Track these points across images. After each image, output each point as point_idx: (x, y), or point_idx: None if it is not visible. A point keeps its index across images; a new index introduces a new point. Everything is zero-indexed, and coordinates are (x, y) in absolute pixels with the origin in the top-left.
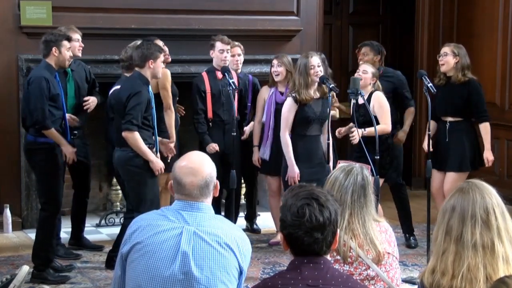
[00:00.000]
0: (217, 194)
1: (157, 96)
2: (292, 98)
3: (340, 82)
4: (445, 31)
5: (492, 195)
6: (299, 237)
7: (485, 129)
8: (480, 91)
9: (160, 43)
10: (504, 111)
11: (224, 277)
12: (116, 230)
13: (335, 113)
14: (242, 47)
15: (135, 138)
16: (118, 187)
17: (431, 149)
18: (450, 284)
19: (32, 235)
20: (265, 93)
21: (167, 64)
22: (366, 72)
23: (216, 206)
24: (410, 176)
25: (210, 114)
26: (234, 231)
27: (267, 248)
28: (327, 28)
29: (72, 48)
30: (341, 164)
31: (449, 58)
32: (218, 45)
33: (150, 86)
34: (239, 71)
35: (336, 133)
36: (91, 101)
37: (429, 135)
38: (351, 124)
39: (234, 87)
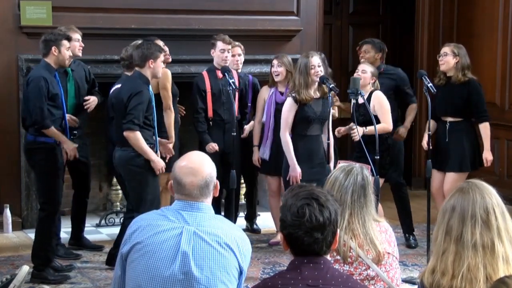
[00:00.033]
0: (217, 194)
1: (157, 96)
2: (292, 98)
3: (340, 82)
4: (445, 31)
5: (492, 195)
6: (299, 237)
7: (485, 129)
8: (480, 91)
9: (160, 43)
10: (504, 111)
11: (224, 277)
12: (116, 230)
13: (334, 112)
14: (242, 47)
15: (137, 137)
16: (118, 187)
17: (431, 148)
18: (450, 284)
19: (32, 235)
20: (265, 93)
21: (167, 64)
22: (365, 71)
23: (216, 206)
24: (410, 176)
25: (210, 113)
26: (234, 231)
27: (267, 248)
28: (327, 28)
29: (72, 48)
30: (341, 164)
31: (449, 58)
32: (219, 44)
33: (150, 86)
34: (239, 71)
35: (336, 132)
36: (92, 101)
37: (429, 135)
38: (352, 124)
39: (234, 87)
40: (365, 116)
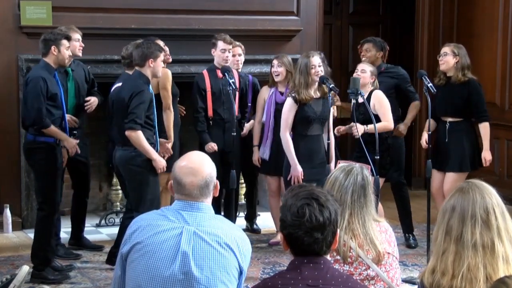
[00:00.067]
0: (217, 194)
1: (157, 96)
2: (292, 98)
3: (340, 82)
4: (445, 31)
5: (492, 195)
6: (299, 237)
7: (484, 129)
8: (480, 91)
9: (160, 43)
10: (504, 111)
11: (224, 277)
12: (116, 230)
13: (333, 111)
14: (243, 47)
15: (139, 137)
16: (118, 187)
17: (431, 148)
18: (450, 284)
19: (32, 235)
20: (265, 93)
21: (168, 64)
22: (364, 71)
23: (216, 206)
24: (410, 176)
25: (210, 113)
26: (234, 231)
27: (267, 248)
28: (327, 28)
29: (72, 47)
30: (341, 164)
31: (449, 58)
32: (220, 44)
33: (150, 86)
34: (239, 70)
35: (335, 131)
36: (92, 102)
37: (429, 135)
38: (352, 123)
39: (234, 87)
40: (364, 115)
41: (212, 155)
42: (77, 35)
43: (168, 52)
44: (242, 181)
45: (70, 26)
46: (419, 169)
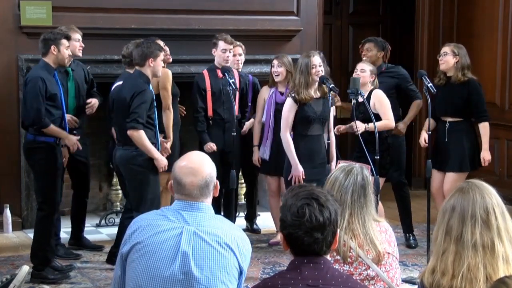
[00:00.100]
0: (217, 194)
1: (157, 96)
2: (292, 98)
3: (340, 82)
4: (445, 31)
5: (492, 195)
6: (299, 237)
7: (484, 128)
8: (480, 91)
9: (160, 43)
10: (504, 111)
11: (224, 277)
12: (116, 230)
13: (333, 111)
14: (243, 47)
15: (141, 136)
16: (118, 187)
17: (430, 148)
18: (450, 284)
19: (32, 235)
20: (265, 93)
21: (168, 64)
22: (364, 70)
23: (216, 206)
24: (410, 176)
25: (210, 112)
26: (234, 231)
27: (267, 248)
28: (327, 28)
29: (72, 47)
30: (341, 164)
31: (449, 58)
32: (221, 44)
33: (150, 85)
34: (239, 70)
35: (335, 131)
36: (94, 104)
37: (429, 135)
38: (352, 123)
39: (234, 87)
40: (364, 114)
41: (212, 155)
42: (77, 35)
43: (168, 52)
44: (242, 181)
45: (70, 26)
46: (419, 169)
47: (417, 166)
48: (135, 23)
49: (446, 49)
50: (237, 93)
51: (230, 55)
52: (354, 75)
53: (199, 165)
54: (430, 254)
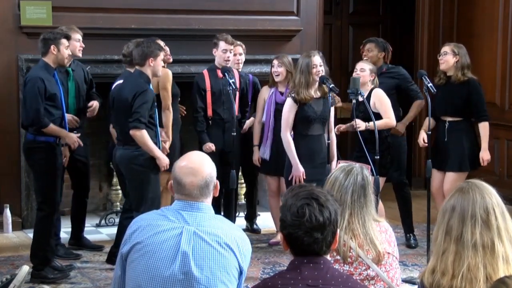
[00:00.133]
0: (217, 194)
1: (157, 96)
2: (292, 99)
3: (340, 82)
4: (445, 31)
5: (492, 195)
6: (299, 237)
7: (484, 128)
8: (480, 91)
9: (161, 43)
10: (504, 111)
11: (224, 277)
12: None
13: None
14: (244, 46)
15: (143, 136)
16: (118, 187)
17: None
18: (450, 284)
19: (32, 235)
20: (265, 93)
21: (168, 64)
22: (363, 69)
23: (216, 206)
24: (410, 176)
25: (210, 113)
26: (234, 231)
27: (267, 248)
28: (327, 28)
29: (72, 48)
30: (341, 164)
31: (448, 57)
32: (222, 44)
33: (151, 85)
34: (239, 70)
35: (335, 130)
36: (95, 107)
37: (428, 135)
38: (353, 122)
39: (234, 87)
40: (364, 113)
41: (212, 155)
42: (77, 35)
43: (168, 52)
44: (242, 181)
45: (71, 26)
46: (419, 169)
47: (417, 166)
48: (135, 23)
49: (446, 48)
50: (237, 93)
51: (230, 55)
52: (354, 74)
53: (199, 165)
54: (430, 254)
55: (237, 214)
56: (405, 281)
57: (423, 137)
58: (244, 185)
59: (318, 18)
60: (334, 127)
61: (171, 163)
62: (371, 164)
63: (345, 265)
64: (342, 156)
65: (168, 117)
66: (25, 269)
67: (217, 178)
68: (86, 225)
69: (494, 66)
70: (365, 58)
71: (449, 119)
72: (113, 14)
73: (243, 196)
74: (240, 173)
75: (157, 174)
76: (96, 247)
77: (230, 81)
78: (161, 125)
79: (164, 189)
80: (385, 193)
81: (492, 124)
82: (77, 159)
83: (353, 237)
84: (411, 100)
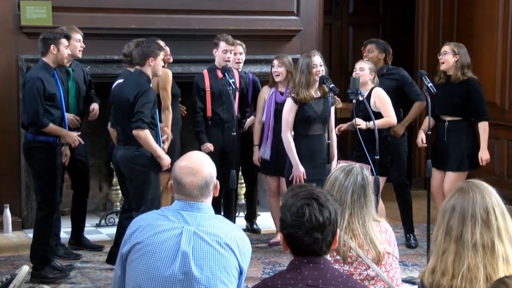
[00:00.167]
0: (217, 194)
1: (157, 96)
2: (292, 99)
3: (340, 82)
4: (445, 31)
5: (492, 195)
6: (299, 237)
7: (483, 128)
8: (480, 90)
9: (161, 43)
10: (504, 111)
11: (224, 277)
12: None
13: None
14: (244, 46)
15: (147, 135)
16: (118, 187)
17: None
18: (450, 284)
19: (32, 235)
20: (265, 93)
21: (168, 64)
22: (363, 69)
23: (216, 206)
24: (410, 176)
25: (209, 113)
26: (234, 231)
27: (267, 248)
28: (327, 28)
29: (72, 48)
30: (341, 164)
31: (448, 57)
32: (222, 45)
33: (151, 85)
34: (239, 70)
35: (336, 130)
36: (96, 111)
37: (429, 134)
38: (353, 121)
39: (234, 87)
40: (365, 112)
41: (212, 155)
42: (78, 36)
43: (169, 52)
44: (242, 181)
45: (71, 26)
46: (419, 169)
47: (417, 166)
48: (135, 23)
49: (446, 48)
50: (237, 93)
51: (231, 56)
52: (354, 74)
53: (199, 165)
54: (430, 254)
55: (237, 214)
56: (405, 281)
57: (421, 138)
58: (244, 185)
59: (318, 18)
60: (335, 127)
61: (172, 163)
62: (371, 164)
63: (345, 265)
64: (342, 156)
65: (168, 117)
66: (25, 269)
67: (217, 178)
68: (86, 225)
69: (494, 66)
70: (365, 59)
71: (448, 118)
72: (113, 14)
73: (243, 196)
74: (240, 173)
75: (157, 174)
76: (96, 247)
77: (230, 81)
78: (160, 121)
79: (164, 189)
80: (385, 193)
81: (492, 124)
82: (77, 159)
83: (353, 237)
84: (411, 101)
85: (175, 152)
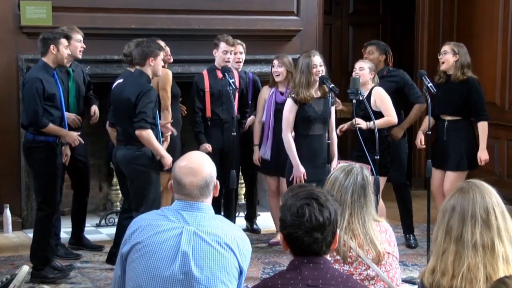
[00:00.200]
0: (217, 194)
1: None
2: (292, 99)
3: (340, 82)
4: (445, 31)
5: (492, 195)
6: (299, 237)
7: (482, 128)
8: (479, 90)
9: (161, 43)
10: (504, 111)
11: (224, 277)
12: None
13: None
14: (244, 45)
15: (149, 135)
16: (118, 187)
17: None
18: (450, 284)
19: (32, 235)
20: (265, 93)
21: (168, 64)
22: (362, 68)
23: (216, 206)
24: (410, 176)
25: (208, 113)
26: (234, 231)
27: (267, 248)
28: (327, 28)
29: (73, 48)
30: (341, 164)
31: (448, 56)
32: (222, 45)
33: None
34: (239, 69)
35: (337, 131)
36: (97, 114)
37: (428, 134)
38: (353, 120)
39: (234, 87)
40: (365, 112)
41: (212, 155)
42: (78, 36)
43: (169, 52)
44: (242, 181)
45: (72, 27)
46: (419, 169)
47: (417, 166)
48: (135, 23)
49: (446, 47)
50: (237, 93)
51: (231, 56)
52: (354, 74)
53: (199, 165)
54: (430, 254)
55: (237, 214)
56: (405, 281)
57: (420, 139)
58: (244, 185)
59: (318, 18)
60: (336, 128)
61: (172, 163)
62: (371, 164)
63: (345, 265)
64: (342, 156)
65: (167, 117)
66: (25, 269)
67: (217, 178)
68: (86, 225)
69: (494, 66)
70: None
71: (448, 118)
72: (113, 14)
73: (243, 196)
74: (240, 173)
75: (158, 174)
76: (96, 247)
77: (230, 81)
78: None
79: (164, 189)
80: (385, 193)
81: (492, 124)
82: (77, 159)
83: (353, 237)
84: (411, 103)
85: (175, 152)
